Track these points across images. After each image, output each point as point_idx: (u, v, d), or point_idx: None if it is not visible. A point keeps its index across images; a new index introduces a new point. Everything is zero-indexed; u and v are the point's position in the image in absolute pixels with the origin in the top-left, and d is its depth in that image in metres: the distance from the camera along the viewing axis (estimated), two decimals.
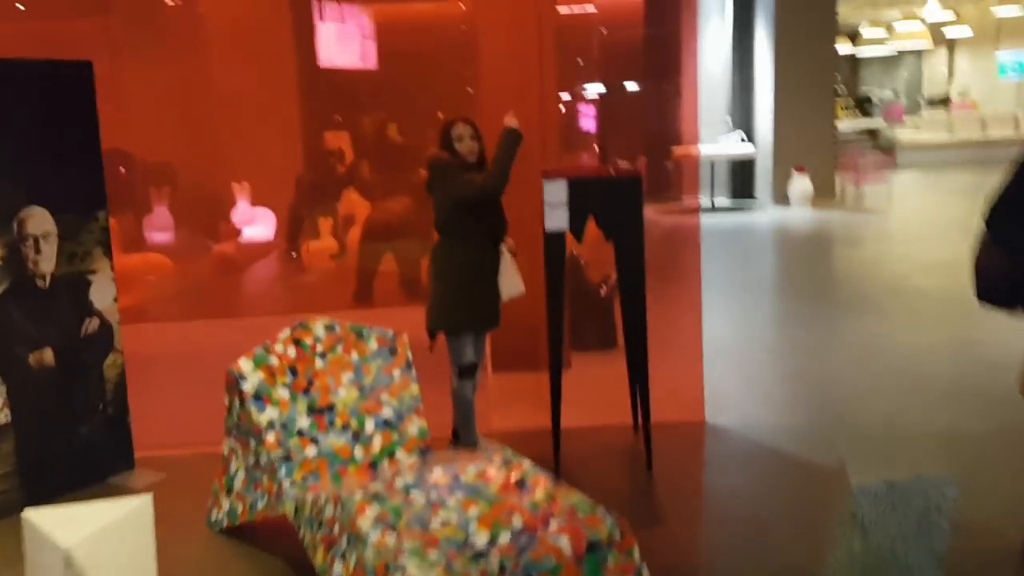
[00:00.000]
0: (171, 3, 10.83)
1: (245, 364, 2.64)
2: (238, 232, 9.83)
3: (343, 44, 9.91)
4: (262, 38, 10.43)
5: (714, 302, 5.50)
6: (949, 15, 16.33)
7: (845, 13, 15.07)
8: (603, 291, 4.97)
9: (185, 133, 10.27)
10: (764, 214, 10.90)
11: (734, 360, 4.84)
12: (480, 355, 3.41)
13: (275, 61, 10.53)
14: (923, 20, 17.04)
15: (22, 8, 10.67)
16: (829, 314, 5.81)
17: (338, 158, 8.65)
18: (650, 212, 10.61)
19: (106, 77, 10.37)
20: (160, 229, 9.97)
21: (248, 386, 2.60)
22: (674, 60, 12.43)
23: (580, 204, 3.28)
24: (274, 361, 2.69)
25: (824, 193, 11.24)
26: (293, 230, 9.01)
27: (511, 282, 3.36)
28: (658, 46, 12.39)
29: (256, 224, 9.71)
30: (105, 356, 3.41)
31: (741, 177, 12.05)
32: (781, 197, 11.28)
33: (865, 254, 8.10)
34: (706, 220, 10.83)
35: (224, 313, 6.05)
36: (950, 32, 17.47)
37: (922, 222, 9.94)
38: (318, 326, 2.82)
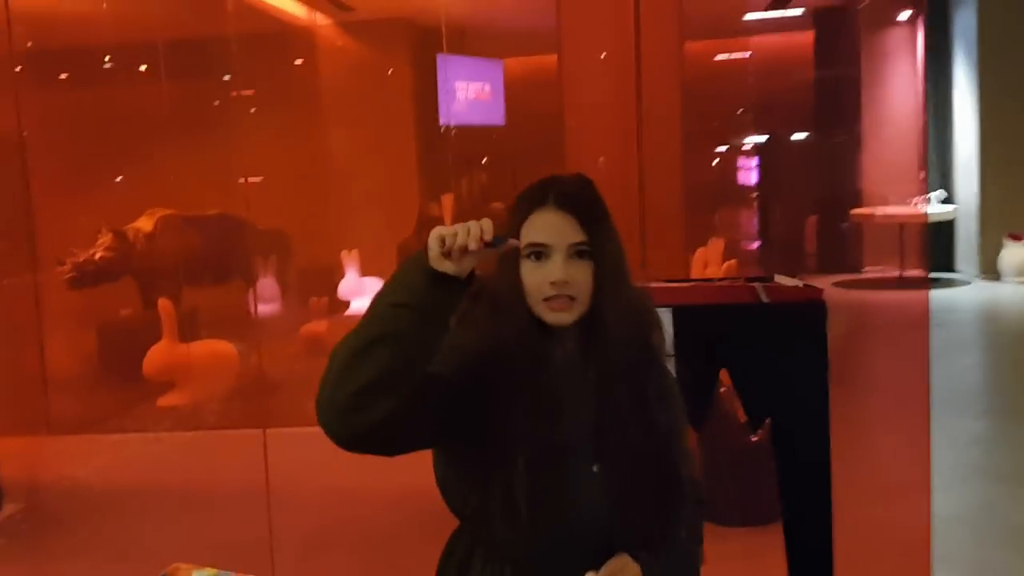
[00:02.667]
0: (298, 63, 10.31)
1: None
2: (345, 307, 8.92)
3: (467, 102, 8.91)
4: (382, 98, 9.67)
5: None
6: None
7: None
8: (756, 437, 3.45)
9: (298, 198, 9.56)
10: (968, 291, 8.87)
11: (964, 558, 3.17)
12: None
13: (395, 121, 9.73)
14: None
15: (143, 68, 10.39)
16: None
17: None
18: (823, 286, 8.93)
19: (220, 140, 9.80)
20: (265, 302, 9.21)
21: None
22: (852, 107, 10.66)
23: (699, 351, 1.84)
24: None
25: None
26: None
27: None
28: (832, 92, 10.68)
29: (364, 296, 8.72)
30: None
31: (937, 245, 10.02)
32: (989, 269, 9.21)
33: None
34: (892, 297, 8.94)
35: (268, 421, 4.93)
36: None
37: None
38: None
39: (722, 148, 10.90)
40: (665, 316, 1.80)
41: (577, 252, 1.27)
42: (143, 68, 10.21)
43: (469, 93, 8.96)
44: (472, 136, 8.73)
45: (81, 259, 7.48)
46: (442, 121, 9.05)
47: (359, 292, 8.93)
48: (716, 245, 7.35)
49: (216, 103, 10.26)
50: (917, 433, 2.70)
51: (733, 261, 7.19)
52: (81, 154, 10.07)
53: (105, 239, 7.90)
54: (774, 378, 1.77)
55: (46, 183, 8.95)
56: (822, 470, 1.84)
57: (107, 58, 9.45)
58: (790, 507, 2.02)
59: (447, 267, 1.14)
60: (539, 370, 1.26)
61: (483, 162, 7.81)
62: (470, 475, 1.27)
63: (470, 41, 9.47)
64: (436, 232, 1.15)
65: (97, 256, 7.57)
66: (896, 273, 9.68)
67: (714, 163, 10.95)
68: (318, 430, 1.14)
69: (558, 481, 1.24)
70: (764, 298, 1.85)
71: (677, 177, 2.69)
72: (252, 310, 9.05)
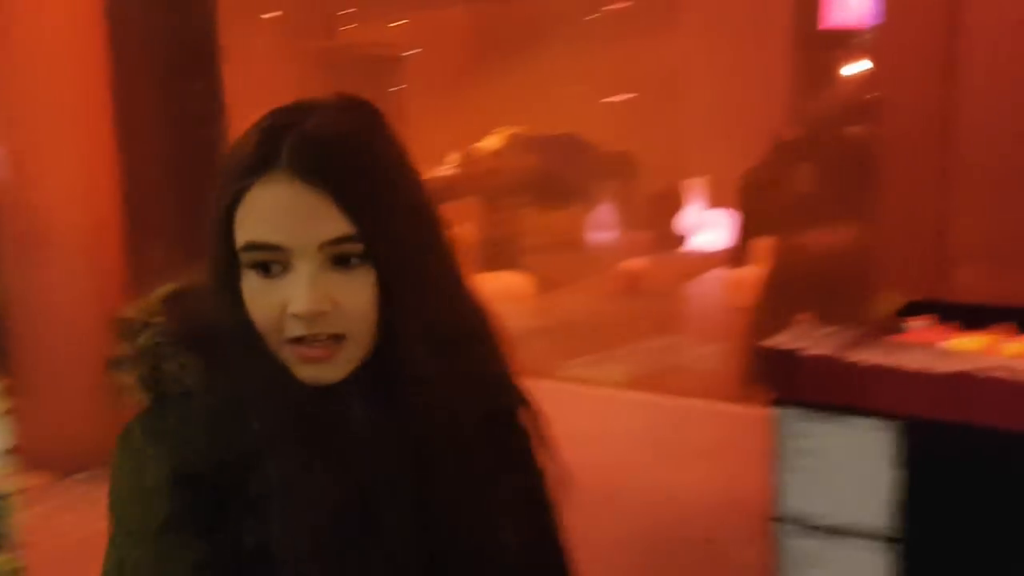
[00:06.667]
0: None
1: None
2: (678, 242, 8.01)
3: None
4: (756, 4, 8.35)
5: None
6: None
7: None
8: None
9: (651, 118, 8.74)
10: None
11: None
12: None
13: (768, 30, 8.37)
14: None
15: None
16: None
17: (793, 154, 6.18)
18: None
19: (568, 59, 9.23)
20: (599, 228, 8.65)
21: None
22: None
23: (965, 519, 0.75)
24: None
25: None
26: (739, 241, 6.80)
27: None
28: None
29: (708, 231, 7.74)
30: None
31: None
32: None
33: None
34: None
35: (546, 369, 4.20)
36: None
37: None
38: None
39: None
40: (879, 434, 0.65)
41: (338, 257, 0.66)
42: None
43: None
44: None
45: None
46: (822, 24, 7.50)
47: (699, 227, 7.95)
48: None
49: (590, 17, 9.73)
50: None
51: None
52: (452, 71, 10.22)
53: (452, 157, 7.90)
54: None
55: (421, 100, 9.16)
56: None
57: None
58: None
59: None
60: (312, 461, 0.67)
61: (845, 74, 6.18)
62: None
63: None
64: None
65: (445, 174, 7.57)
66: None
67: None
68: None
69: None
70: None
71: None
72: (583, 237, 8.49)
